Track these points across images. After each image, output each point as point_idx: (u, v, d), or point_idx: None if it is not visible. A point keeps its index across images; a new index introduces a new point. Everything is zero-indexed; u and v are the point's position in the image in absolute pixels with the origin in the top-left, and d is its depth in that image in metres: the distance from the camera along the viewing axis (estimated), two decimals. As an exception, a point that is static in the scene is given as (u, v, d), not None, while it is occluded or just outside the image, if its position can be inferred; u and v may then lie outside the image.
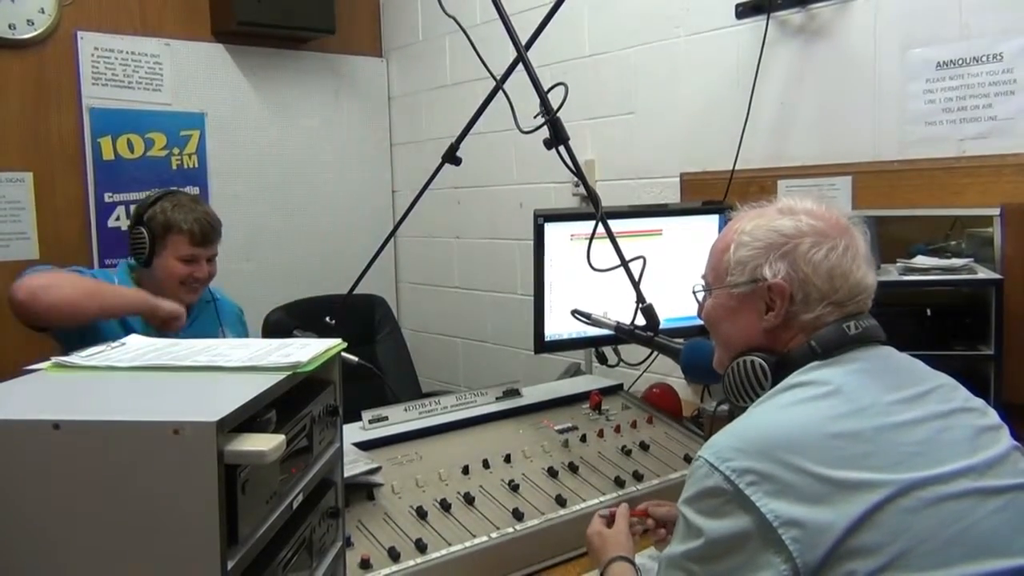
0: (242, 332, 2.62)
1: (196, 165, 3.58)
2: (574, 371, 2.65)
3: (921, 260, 2.05)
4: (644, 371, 2.49)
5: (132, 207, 3.25)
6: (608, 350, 2.24)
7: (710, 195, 2.61)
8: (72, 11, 3.22)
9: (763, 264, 1.26)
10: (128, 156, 3.39)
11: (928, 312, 1.93)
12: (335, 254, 3.85)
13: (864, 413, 1.14)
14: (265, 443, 0.93)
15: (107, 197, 3.36)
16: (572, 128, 3.04)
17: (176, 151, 3.52)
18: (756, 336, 1.29)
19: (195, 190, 3.52)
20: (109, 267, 3.18)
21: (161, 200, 2.32)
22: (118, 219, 3.36)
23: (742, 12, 2.56)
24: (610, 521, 1.57)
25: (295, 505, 1.14)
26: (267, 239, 3.77)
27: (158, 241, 2.27)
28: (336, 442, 1.37)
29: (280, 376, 1.08)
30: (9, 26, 3.08)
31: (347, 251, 3.78)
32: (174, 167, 3.52)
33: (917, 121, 2.24)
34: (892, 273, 2.03)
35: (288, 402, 1.20)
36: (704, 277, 1.39)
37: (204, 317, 2.49)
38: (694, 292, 1.40)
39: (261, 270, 3.68)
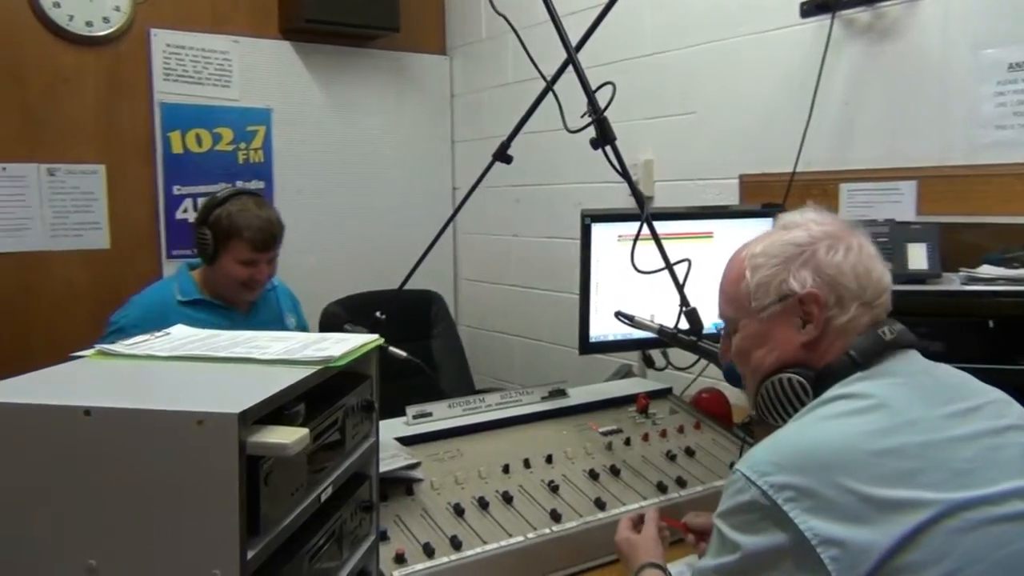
0: (298, 311, 2.68)
1: (262, 160, 3.66)
2: (624, 373, 2.63)
3: (986, 269, 1.96)
4: (698, 376, 2.46)
5: (199, 202, 3.38)
6: (657, 354, 2.21)
7: (770, 198, 2.55)
8: (146, 9, 3.32)
9: (787, 278, 1.23)
10: (196, 150, 3.49)
11: (990, 324, 1.85)
12: (395, 250, 3.87)
13: (910, 428, 1.09)
14: (288, 436, 0.94)
15: (176, 190, 3.46)
16: (631, 127, 3.08)
17: (243, 146, 3.60)
18: (792, 353, 1.25)
19: (260, 184, 3.61)
20: (177, 257, 3.30)
21: (227, 202, 2.36)
22: (185, 211, 3.46)
23: (807, 11, 2.49)
24: (638, 525, 1.55)
25: (323, 498, 1.15)
26: (329, 234, 3.83)
27: (221, 243, 2.33)
28: (372, 437, 1.39)
29: (311, 370, 1.10)
30: (86, 23, 3.20)
31: (407, 247, 3.76)
32: (240, 161, 3.60)
33: (987, 125, 2.15)
34: (954, 282, 1.95)
35: (326, 396, 1.22)
36: (722, 318, 1.36)
37: (266, 305, 2.56)
38: (720, 332, 1.36)
39: (322, 264, 3.74)
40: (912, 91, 2.30)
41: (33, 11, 3.11)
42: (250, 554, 0.92)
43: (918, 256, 2.02)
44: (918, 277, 1.99)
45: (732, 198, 2.79)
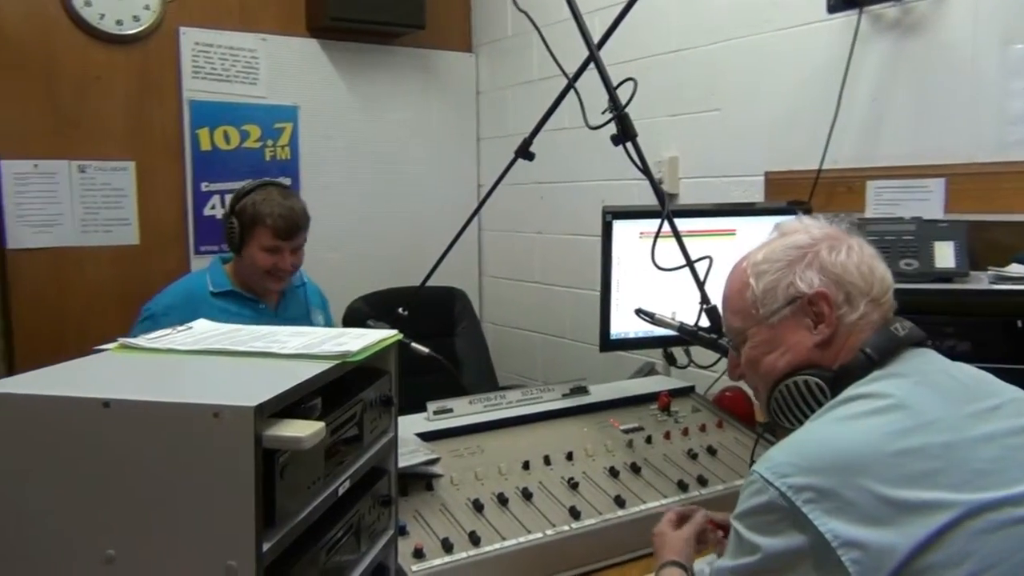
0: (326, 309, 2.71)
1: (289, 157, 3.69)
2: (647, 371, 2.62)
3: (1015, 268, 1.93)
4: (721, 374, 2.44)
5: (227, 199, 3.42)
6: (679, 352, 2.20)
7: (795, 195, 2.53)
8: (175, 7, 3.36)
9: (794, 280, 1.24)
10: (224, 147, 3.52)
11: (1019, 324, 1.82)
12: (420, 246, 3.89)
13: (931, 428, 1.08)
14: (304, 429, 0.95)
15: (204, 186, 3.49)
16: (656, 124, 3.06)
17: (270, 143, 3.63)
18: (803, 356, 1.24)
19: (287, 181, 3.63)
20: (205, 253, 3.34)
21: (253, 192, 2.41)
22: (213, 208, 3.50)
23: (834, 6, 2.46)
24: (680, 522, 1.54)
25: (340, 492, 1.16)
26: (355, 230, 3.85)
27: (246, 231, 2.37)
28: (390, 432, 1.39)
29: (328, 365, 1.10)
30: (116, 22, 3.24)
31: (431, 243, 3.77)
32: (268, 158, 3.63)
33: (1017, 121, 2.12)
34: (982, 281, 1.92)
35: (344, 391, 1.23)
36: (729, 332, 1.36)
37: (295, 301, 2.59)
38: (729, 345, 1.36)
39: (348, 260, 3.76)
40: (940, 87, 2.27)
41: (65, 10, 3.15)
42: (266, 546, 0.93)
43: (945, 254, 1.99)
44: (945, 276, 1.96)
45: (757, 195, 2.77)
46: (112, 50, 3.27)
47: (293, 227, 2.38)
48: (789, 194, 2.56)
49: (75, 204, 3.23)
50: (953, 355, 1.26)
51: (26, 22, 3.10)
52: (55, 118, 3.18)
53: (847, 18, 2.43)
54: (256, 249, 2.37)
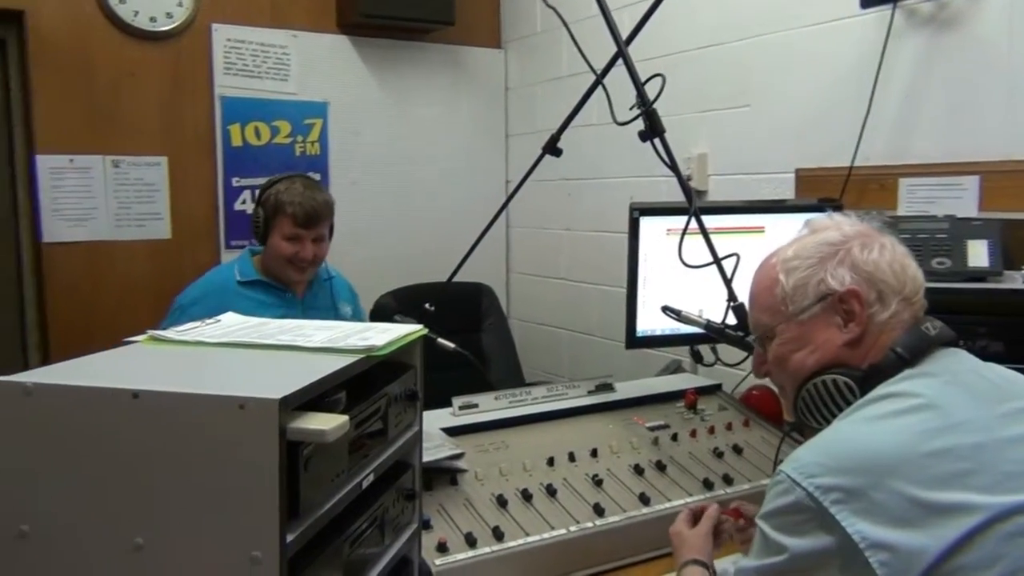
0: (355, 303, 2.73)
1: (318, 152, 3.71)
2: (675, 368, 2.60)
3: (1051, 268, 1.90)
4: (749, 372, 2.42)
5: (258, 192, 3.45)
6: (706, 350, 2.18)
7: (826, 192, 2.50)
8: (207, 4, 3.40)
9: (825, 277, 1.22)
10: (255, 143, 3.56)
11: (1056, 324, 1.80)
12: (448, 242, 3.88)
13: (961, 428, 1.07)
14: (327, 422, 0.96)
15: (235, 181, 3.53)
16: (685, 121, 3.05)
17: (300, 139, 3.66)
18: (832, 354, 1.23)
19: (316, 176, 3.66)
20: (236, 248, 3.37)
21: (278, 183, 2.44)
22: (244, 202, 3.54)
23: (867, 1, 2.43)
24: (696, 519, 1.54)
25: (364, 485, 1.17)
26: (383, 225, 3.87)
27: (269, 220, 2.40)
28: (415, 426, 1.40)
29: (353, 358, 1.11)
30: (150, 19, 3.28)
31: (460, 239, 3.77)
32: (297, 154, 3.66)
33: (1055, 117, 2.08)
34: (1016, 280, 1.89)
35: (369, 384, 1.23)
36: (757, 329, 1.33)
37: (322, 294, 2.61)
38: (755, 341, 1.34)
39: (376, 255, 3.78)
40: (975, 83, 2.23)
41: (100, 7, 3.20)
42: (289, 537, 0.94)
43: (979, 253, 1.96)
44: (978, 275, 1.93)
45: (788, 192, 2.74)
46: (146, 47, 3.31)
47: (313, 216, 2.39)
48: (820, 191, 2.54)
49: (109, 199, 3.28)
50: (985, 355, 1.24)
51: (63, 20, 3.16)
52: (90, 114, 3.23)
53: (880, 13, 2.40)
54: (278, 238, 2.40)
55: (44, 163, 3.16)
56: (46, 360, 3.09)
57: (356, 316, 2.69)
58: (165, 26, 3.32)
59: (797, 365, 1.27)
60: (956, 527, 0.97)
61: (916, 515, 0.99)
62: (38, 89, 3.14)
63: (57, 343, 3.20)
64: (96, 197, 3.25)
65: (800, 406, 1.27)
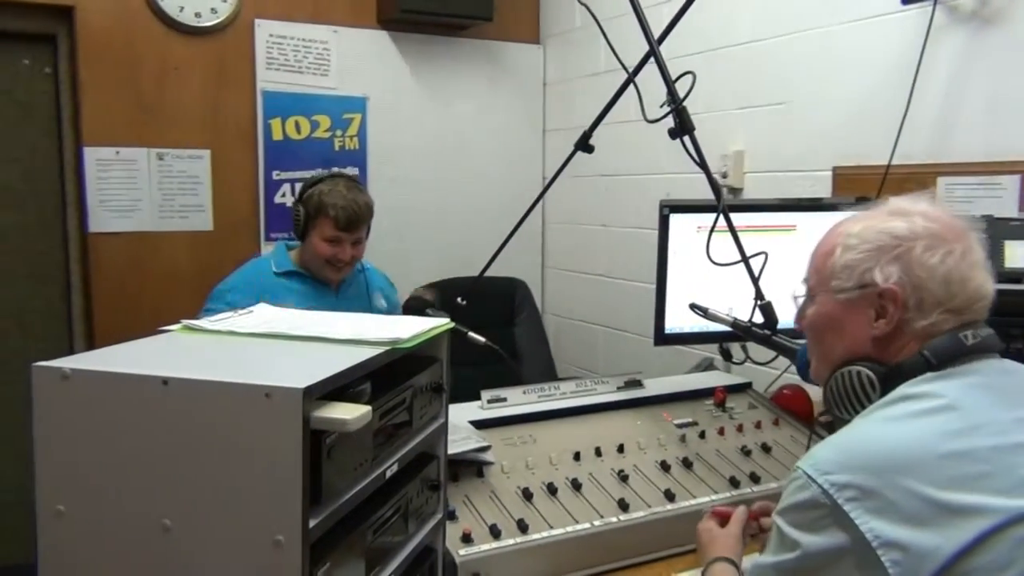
0: (391, 292, 2.76)
1: (357, 147, 3.76)
2: (706, 366, 2.60)
3: (1091, 270, 1.86)
4: (783, 371, 2.41)
5: (297, 187, 3.51)
6: (736, 348, 2.18)
7: (864, 190, 2.47)
8: (251, 0, 3.45)
9: (873, 268, 1.18)
10: (295, 137, 3.61)
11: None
12: (484, 237, 3.89)
13: (980, 431, 1.06)
14: (350, 412, 0.98)
15: (275, 175, 3.59)
16: (722, 118, 3.03)
17: (339, 133, 3.71)
18: (862, 345, 1.21)
19: (354, 170, 3.71)
20: (275, 240, 3.43)
21: (321, 182, 2.48)
22: (284, 195, 3.59)
23: (908, -3, 2.40)
24: (724, 521, 1.54)
25: (388, 474, 1.19)
26: (420, 219, 3.90)
27: (310, 220, 2.44)
28: (440, 418, 1.42)
29: (378, 350, 1.14)
30: (195, 15, 3.35)
31: (495, 234, 3.79)
32: (336, 148, 3.71)
33: (1100, 117, 2.03)
34: (1055, 283, 1.86)
35: (396, 376, 1.26)
36: (805, 281, 1.31)
37: (355, 285, 2.65)
38: (795, 298, 1.33)
39: (412, 249, 3.81)
40: (1016, 81, 2.19)
41: (147, 3, 3.27)
42: (312, 522, 0.97)
43: (1017, 254, 1.93)
44: (1015, 276, 1.90)
45: (825, 190, 2.72)
46: (190, 42, 3.38)
47: (355, 219, 2.43)
48: (857, 189, 2.51)
49: (153, 190, 3.35)
50: (1021, 357, 1.22)
51: (111, 16, 3.23)
52: (136, 107, 3.31)
53: (921, 10, 2.36)
54: (318, 238, 2.44)
55: (91, 155, 3.24)
56: (91, 347, 3.17)
57: (391, 307, 2.72)
58: (209, 21, 3.39)
59: (828, 348, 1.27)
60: (970, 529, 0.97)
61: (930, 515, 0.98)
62: (86, 83, 3.22)
63: (102, 330, 3.28)
64: (141, 189, 3.33)
65: (828, 395, 1.26)
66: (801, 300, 1.32)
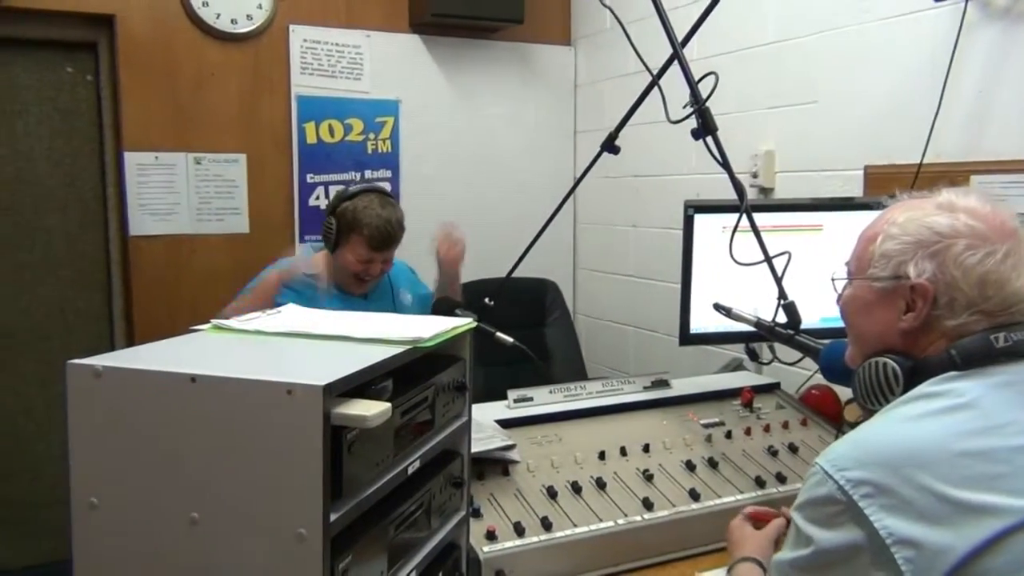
0: (416, 284, 2.79)
1: (389, 150, 3.80)
2: (735, 366, 2.59)
3: None
4: (814, 372, 2.40)
5: (331, 190, 3.57)
6: (763, 348, 2.17)
7: (895, 189, 2.44)
8: (285, 6, 3.52)
9: (908, 261, 1.17)
10: (329, 140, 3.67)
11: None
12: (515, 238, 3.89)
13: (1000, 431, 1.06)
14: (369, 409, 1.01)
15: (309, 178, 3.65)
16: (752, 117, 3.02)
17: (372, 136, 3.76)
18: (891, 336, 1.21)
19: (387, 173, 3.76)
20: (309, 243, 3.48)
21: (357, 197, 2.48)
22: (317, 198, 3.65)
23: (940, -6, 2.37)
24: (758, 524, 1.54)
25: (410, 471, 1.22)
26: (452, 221, 3.91)
27: (343, 235, 2.45)
28: (463, 416, 1.45)
29: (399, 349, 1.16)
30: (231, 21, 3.42)
31: (526, 235, 3.82)
32: (369, 151, 3.75)
33: None
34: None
35: (419, 375, 1.28)
36: (847, 264, 1.31)
37: (380, 287, 2.68)
38: (833, 279, 1.33)
39: (445, 250, 3.83)
40: (1053, 78, 2.16)
41: (184, 10, 3.35)
42: (333, 516, 1.00)
43: (1050, 253, 1.90)
44: (1048, 276, 1.87)
45: (856, 189, 2.69)
46: (227, 47, 3.45)
47: (388, 240, 2.44)
48: (889, 188, 2.43)
49: (191, 194, 3.43)
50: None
51: (150, 23, 3.31)
52: (174, 112, 3.38)
53: (954, 6, 2.34)
54: (349, 255, 2.45)
55: (131, 160, 3.32)
56: (131, 346, 3.24)
57: (416, 299, 2.74)
58: (245, 27, 3.45)
59: (860, 332, 1.28)
60: (984, 528, 0.97)
61: (944, 513, 0.98)
62: (126, 89, 3.30)
63: (141, 330, 3.36)
64: (179, 192, 3.41)
65: (856, 383, 1.26)
66: (841, 282, 1.32)
